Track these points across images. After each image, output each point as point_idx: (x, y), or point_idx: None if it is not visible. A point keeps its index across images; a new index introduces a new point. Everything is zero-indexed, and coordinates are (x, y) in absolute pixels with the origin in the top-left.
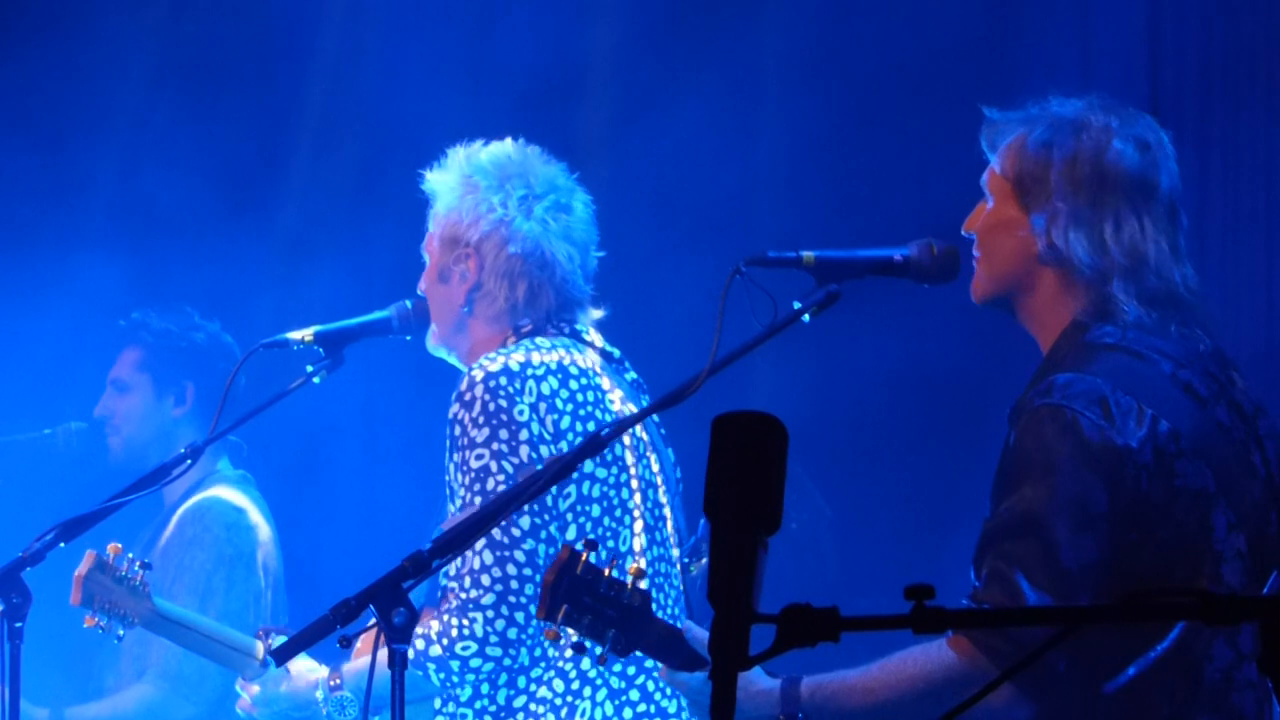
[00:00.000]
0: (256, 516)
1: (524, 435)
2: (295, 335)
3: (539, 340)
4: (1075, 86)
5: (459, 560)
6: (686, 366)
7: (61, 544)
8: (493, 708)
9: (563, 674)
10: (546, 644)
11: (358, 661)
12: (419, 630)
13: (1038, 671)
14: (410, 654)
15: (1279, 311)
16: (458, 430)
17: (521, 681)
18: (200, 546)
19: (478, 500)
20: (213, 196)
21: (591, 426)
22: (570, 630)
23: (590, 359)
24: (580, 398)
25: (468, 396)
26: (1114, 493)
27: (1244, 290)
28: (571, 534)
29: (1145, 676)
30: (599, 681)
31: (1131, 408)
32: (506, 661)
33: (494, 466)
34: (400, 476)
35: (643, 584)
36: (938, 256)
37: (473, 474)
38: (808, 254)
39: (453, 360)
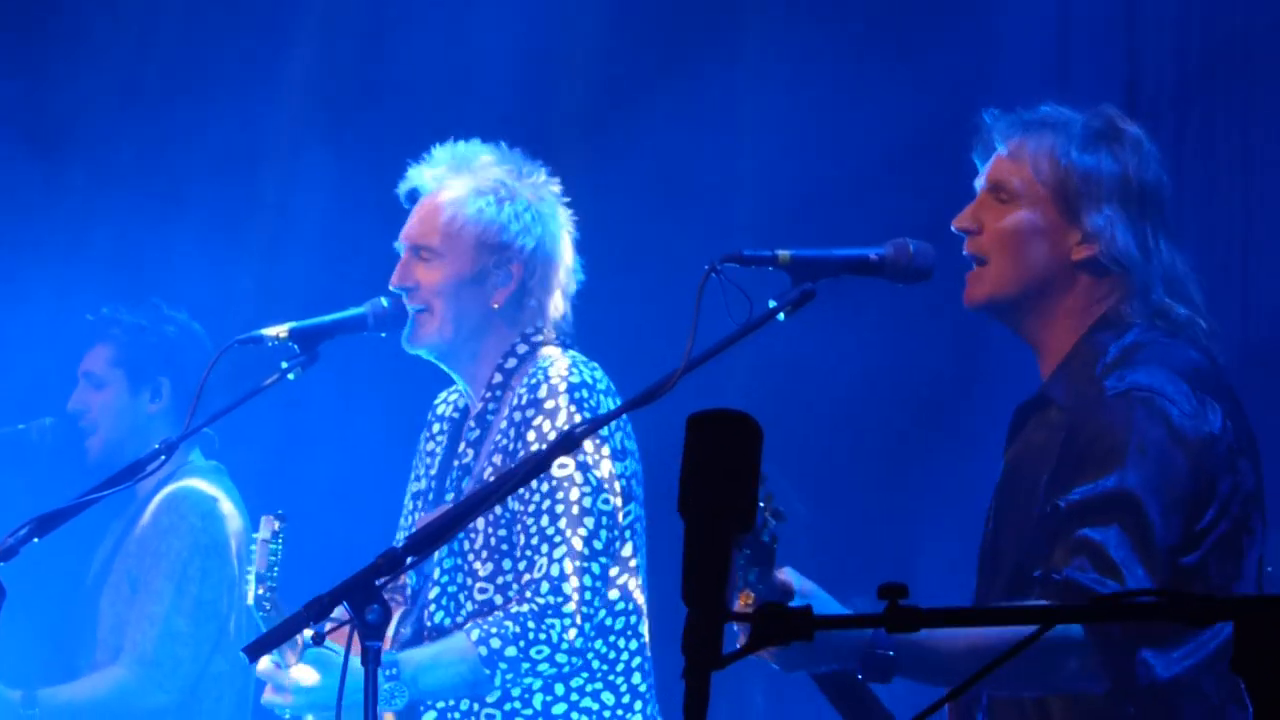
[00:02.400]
0: (229, 506)
1: (606, 450)
2: (270, 331)
3: (572, 354)
4: (1053, 82)
5: (524, 565)
6: (661, 365)
7: (35, 539)
8: (527, 711)
9: (613, 687)
10: (590, 656)
11: (410, 651)
12: (491, 629)
13: (1121, 649)
14: (483, 651)
15: (1253, 309)
16: (532, 435)
17: (560, 689)
18: (176, 535)
19: (559, 508)
20: (187, 190)
21: (634, 446)
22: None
23: (602, 371)
24: (624, 417)
25: (549, 405)
26: (1195, 481)
27: (1218, 288)
28: (628, 550)
29: (1200, 666)
30: (649, 696)
31: (1206, 401)
32: (567, 670)
33: (579, 477)
34: (375, 474)
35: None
36: (913, 256)
37: (554, 481)
38: (783, 253)
39: (439, 361)
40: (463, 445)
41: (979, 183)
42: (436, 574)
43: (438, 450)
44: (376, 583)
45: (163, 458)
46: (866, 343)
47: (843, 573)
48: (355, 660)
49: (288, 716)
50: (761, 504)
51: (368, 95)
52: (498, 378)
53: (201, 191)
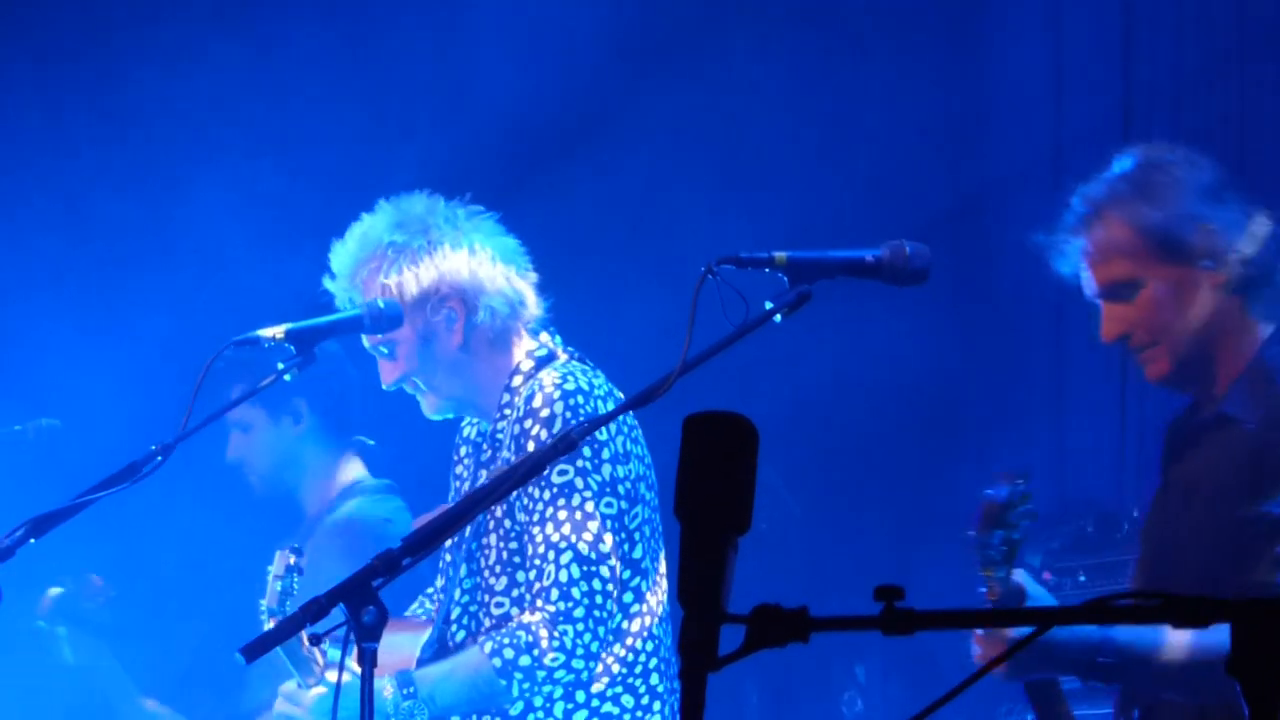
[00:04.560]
0: (399, 529)
1: (606, 453)
2: (267, 332)
3: (574, 365)
4: (1048, 87)
5: (534, 574)
6: (657, 367)
7: (32, 540)
8: (549, 719)
9: (632, 690)
10: (611, 662)
11: (429, 669)
12: (503, 640)
13: None
14: (497, 663)
15: None
16: (531, 446)
17: (580, 696)
18: (349, 559)
19: (562, 515)
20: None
21: (640, 450)
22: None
23: (603, 377)
24: (631, 421)
25: (545, 413)
26: None
27: None
28: (639, 553)
29: None
30: (667, 696)
31: None
32: (585, 676)
33: (579, 483)
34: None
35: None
36: (910, 258)
37: (555, 489)
38: (780, 254)
39: (461, 414)
40: (481, 471)
41: (1090, 293)
42: (457, 594)
43: (465, 474)
44: (373, 584)
45: (159, 459)
46: (861, 345)
47: (837, 573)
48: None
49: None
50: (1016, 503)
51: (366, 89)
52: (505, 398)
53: (199, 188)
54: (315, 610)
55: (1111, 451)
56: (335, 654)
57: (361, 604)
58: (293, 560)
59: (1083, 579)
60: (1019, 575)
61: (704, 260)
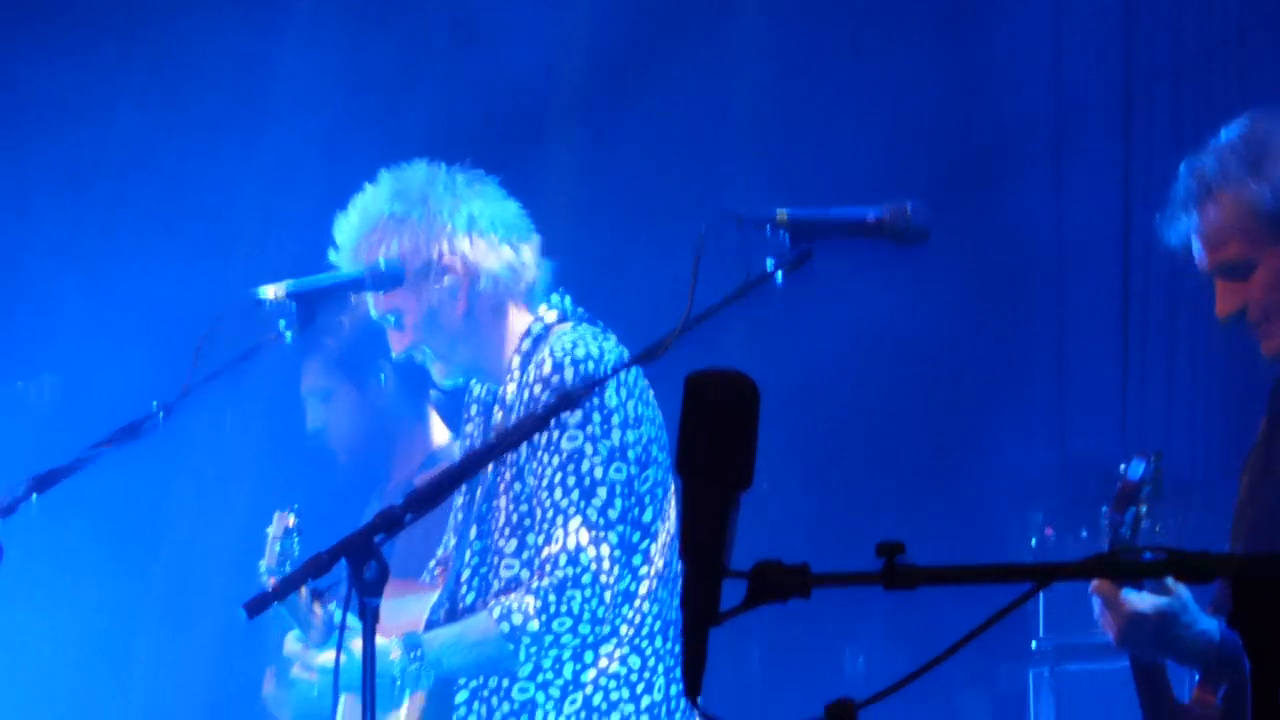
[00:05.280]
0: None
1: (616, 419)
2: (268, 291)
3: (584, 328)
4: (1047, 69)
5: (543, 539)
6: (659, 325)
7: (34, 496)
8: (559, 681)
9: (639, 650)
10: (618, 622)
11: (436, 632)
12: (512, 605)
13: None
14: (505, 628)
15: None
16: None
17: (589, 656)
18: None
19: (570, 480)
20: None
21: (652, 412)
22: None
23: (614, 340)
24: (642, 383)
25: (555, 380)
26: None
27: None
28: (648, 516)
29: None
30: (670, 661)
31: None
32: (591, 639)
33: (589, 449)
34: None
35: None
36: (911, 217)
37: (564, 454)
38: (781, 212)
39: (473, 380)
40: (491, 434)
41: (1202, 268)
42: (467, 555)
43: (474, 432)
44: (375, 540)
45: (161, 415)
46: (864, 305)
47: (838, 536)
48: (382, 643)
49: (314, 693)
50: (1149, 480)
51: (374, 49)
52: (515, 360)
53: (209, 142)
54: (317, 566)
55: (1113, 409)
56: (336, 613)
57: (363, 559)
58: (291, 522)
59: (1084, 535)
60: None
61: (705, 219)
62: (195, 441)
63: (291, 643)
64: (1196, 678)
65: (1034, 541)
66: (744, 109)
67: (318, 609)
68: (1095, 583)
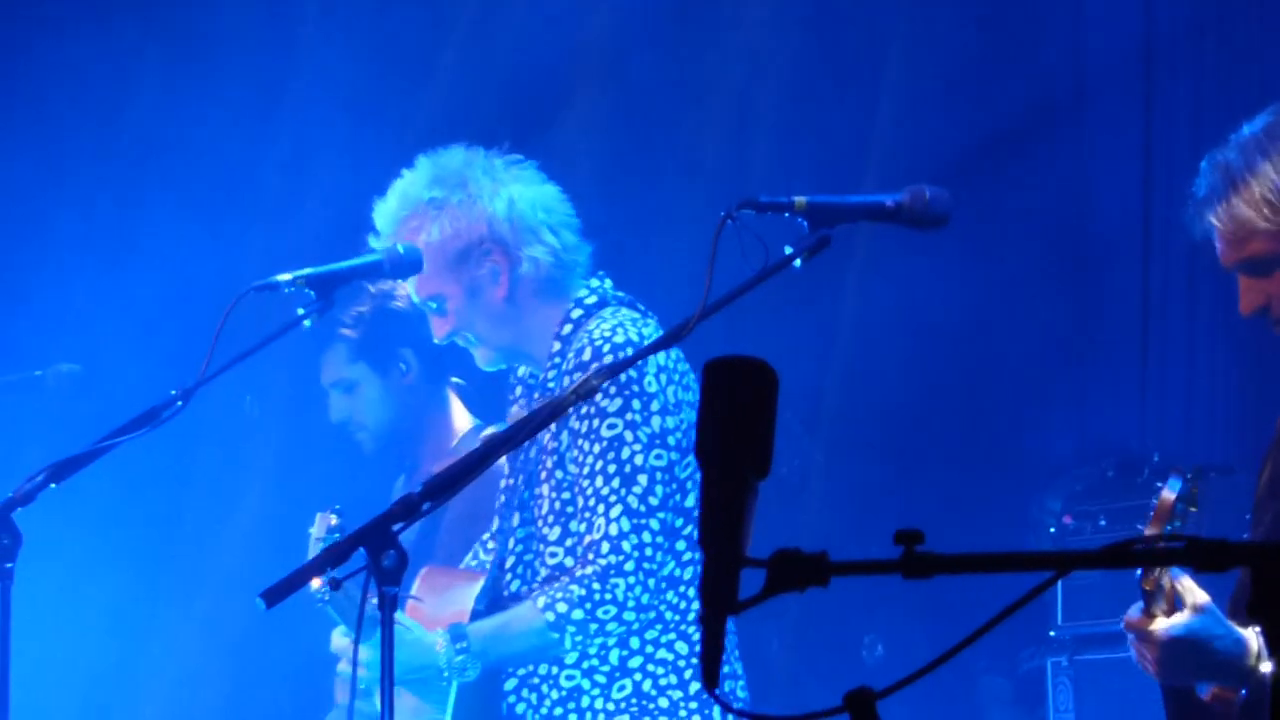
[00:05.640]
0: None
1: (655, 405)
2: (285, 277)
3: (624, 312)
4: (1068, 48)
5: (585, 526)
6: (679, 312)
7: (52, 485)
8: (605, 668)
9: (685, 636)
10: (663, 608)
11: (482, 623)
12: (556, 594)
13: None
14: (550, 616)
15: None
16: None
17: (635, 643)
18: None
19: (611, 468)
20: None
21: (692, 397)
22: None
23: (654, 323)
24: (683, 367)
25: (594, 367)
26: None
27: None
28: (690, 501)
29: None
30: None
31: None
32: (636, 626)
33: (629, 436)
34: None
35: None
36: (929, 202)
37: (605, 442)
38: (800, 199)
39: (519, 362)
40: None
41: (1225, 263)
42: (511, 543)
43: (520, 413)
44: (393, 529)
45: (179, 403)
46: (884, 291)
47: (857, 523)
48: (424, 633)
49: (362, 687)
50: (1187, 496)
51: (394, 28)
52: (556, 346)
53: (210, 142)
54: (335, 554)
55: (1132, 396)
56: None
57: (382, 548)
58: (334, 521)
59: (1103, 523)
60: (1184, 583)
61: (725, 205)
62: (214, 429)
63: (339, 638)
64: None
65: (1053, 529)
66: (766, 89)
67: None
68: (1126, 621)
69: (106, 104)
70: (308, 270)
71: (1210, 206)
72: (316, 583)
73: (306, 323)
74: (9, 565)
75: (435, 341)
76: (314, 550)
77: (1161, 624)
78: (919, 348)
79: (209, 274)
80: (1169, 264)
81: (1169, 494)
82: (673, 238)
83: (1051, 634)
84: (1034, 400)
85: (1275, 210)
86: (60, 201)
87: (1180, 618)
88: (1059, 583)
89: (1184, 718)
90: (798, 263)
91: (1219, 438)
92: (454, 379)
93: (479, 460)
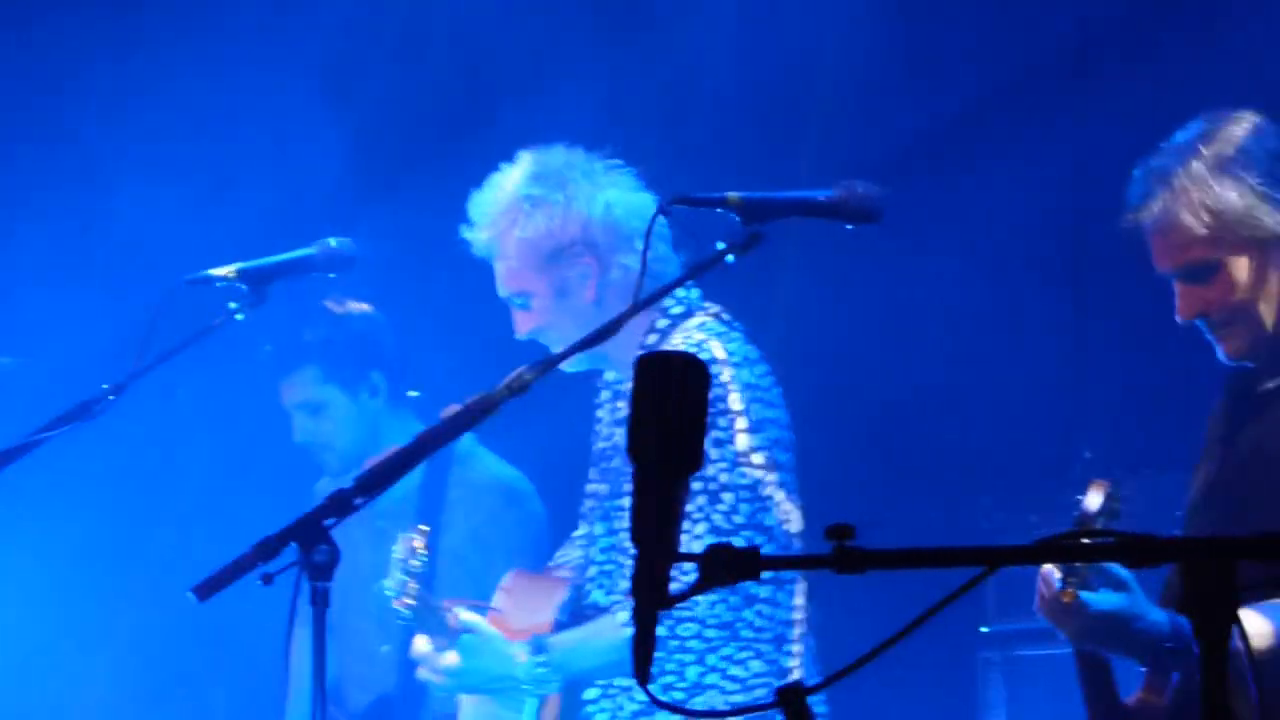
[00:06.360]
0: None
1: (741, 424)
2: (218, 272)
3: (710, 324)
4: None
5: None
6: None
7: None
8: (681, 684)
9: (760, 654)
10: (739, 626)
11: (563, 635)
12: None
13: None
14: (630, 632)
15: None
16: None
17: (711, 659)
18: (522, 523)
19: (697, 484)
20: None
21: (775, 413)
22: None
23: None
24: (766, 382)
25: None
26: None
27: None
28: (771, 520)
29: None
30: (799, 661)
31: None
32: (717, 643)
33: (714, 454)
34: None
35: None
36: (862, 198)
37: None
38: (732, 195)
39: (602, 366)
40: (615, 428)
41: (1162, 270)
42: (594, 553)
43: (605, 418)
44: (324, 524)
45: (111, 398)
46: (848, 290)
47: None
48: (504, 643)
49: (439, 695)
50: (1106, 512)
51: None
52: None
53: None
54: (266, 549)
55: (1065, 389)
56: (469, 618)
57: (314, 543)
58: (417, 544)
59: (1033, 520)
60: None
61: (660, 201)
62: (147, 424)
63: (421, 644)
64: (1142, 678)
65: (984, 525)
66: (701, 89)
67: (450, 613)
68: (1043, 584)
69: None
70: (240, 264)
71: (1147, 212)
72: (406, 600)
73: (239, 316)
74: None
75: (516, 337)
76: (394, 572)
77: (1089, 598)
78: (845, 346)
79: (148, 266)
80: (1101, 265)
81: (1088, 508)
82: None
83: (984, 630)
84: (964, 397)
85: (1213, 216)
86: None
87: (1109, 595)
88: (991, 579)
89: (1100, 705)
90: (730, 259)
91: (1152, 434)
92: (409, 392)
93: (411, 455)
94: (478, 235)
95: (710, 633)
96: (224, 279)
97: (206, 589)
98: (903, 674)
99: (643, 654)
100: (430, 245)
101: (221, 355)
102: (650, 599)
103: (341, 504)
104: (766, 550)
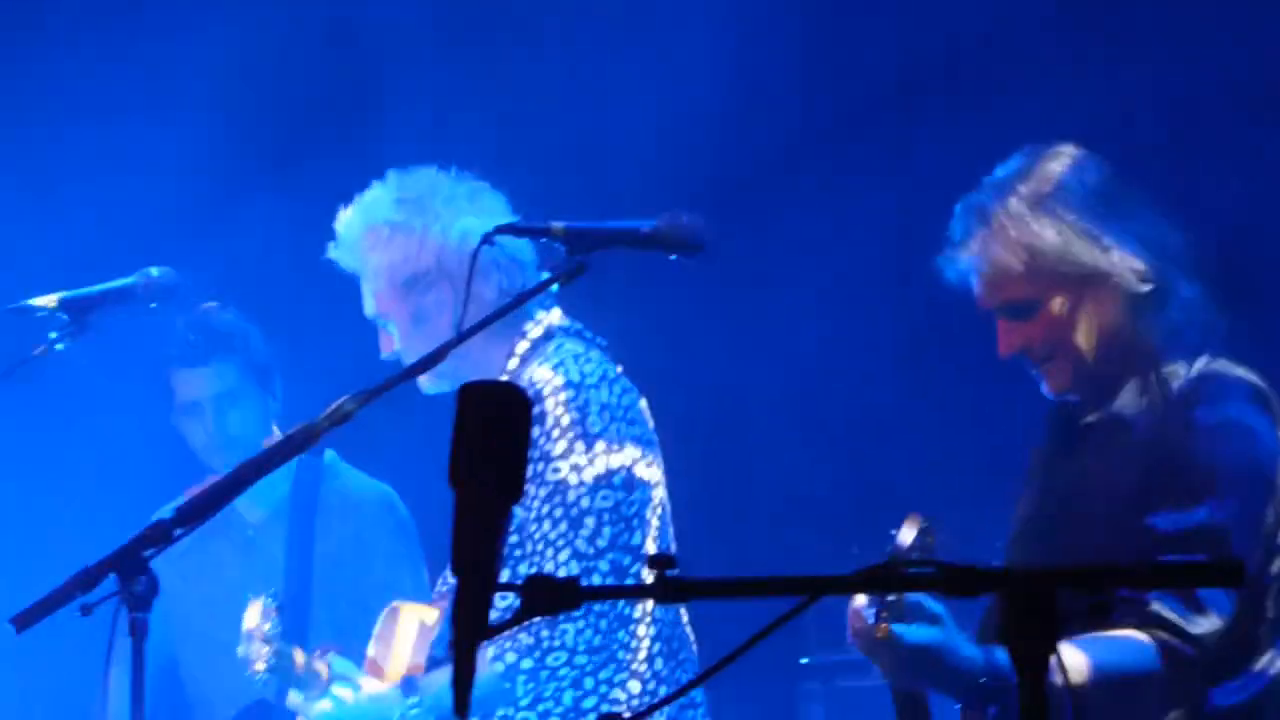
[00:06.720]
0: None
1: (599, 446)
2: (39, 301)
3: (568, 347)
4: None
5: (535, 570)
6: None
7: None
8: (559, 709)
9: (638, 675)
10: (615, 648)
11: (435, 674)
12: (505, 644)
13: (1191, 683)
14: (499, 667)
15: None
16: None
17: (589, 683)
18: (404, 539)
19: (558, 512)
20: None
21: (638, 430)
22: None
23: (598, 356)
24: (627, 400)
25: (536, 410)
26: (1275, 511)
27: None
28: (637, 539)
29: (1259, 695)
30: (673, 678)
31: (1276, 425)
32: (589, 669)
33: (573, 479)
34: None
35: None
36: (685, 229)
37: (550, 486)
38: (557, 225)
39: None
40: None
41: (981, 305)
42: None
43: None
44: (144, 554)
45: None
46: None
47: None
48: (376, 689)
49: None
50: (920, 546)
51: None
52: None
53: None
54: (85, 580)
55: (894, 421)
56: (342, 665)
57: (133, 574)
58: (268, 609)
59: (855, 551)
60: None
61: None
62: None
63: (293, 697)
64: (958, 715)
65: (806, 555)
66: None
67: (322, 668)
68: (855, 617)
69: None
70: (62, 294)
71: (967, 248)
72: (259, 666)
73: (59, 346)
74: None
75: (381, 358)
76: (256, 645)
77: (901, 631)
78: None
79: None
80: (930, 296)
81: (901, 544)
82: None
83: (804, 661)
84: (799, 426)
85: (1031, 254)
86: None
87: (921, 629)
88: (812, 609)
89: None
90: (555, 288)
91: (973, 466)
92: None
93: (230, 487)
94: (340, 254)
95: (581, 659)
96: (44, 309)
97: (24, 620)
98: (723, 706)
99: (461, 685)
100: (298, 253)
101: (44, 381)
102: (469, 630)
103: (162, 534)
104: (635, 570)
